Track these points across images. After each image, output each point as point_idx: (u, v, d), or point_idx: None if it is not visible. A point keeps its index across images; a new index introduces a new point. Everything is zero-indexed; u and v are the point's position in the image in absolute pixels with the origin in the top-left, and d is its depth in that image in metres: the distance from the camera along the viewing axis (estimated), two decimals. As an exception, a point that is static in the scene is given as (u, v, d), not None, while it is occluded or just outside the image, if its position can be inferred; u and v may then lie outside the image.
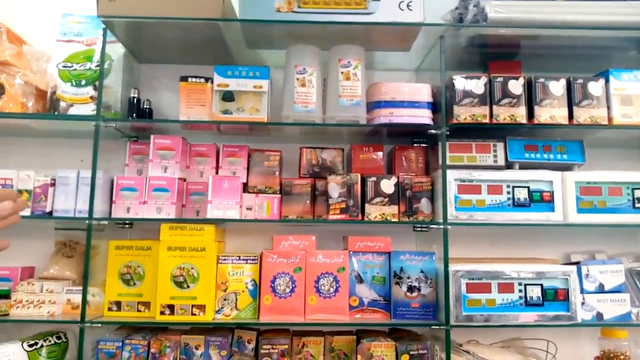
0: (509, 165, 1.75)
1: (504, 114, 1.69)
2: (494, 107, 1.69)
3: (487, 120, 1.68)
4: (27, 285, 1.67)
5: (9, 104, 1.72)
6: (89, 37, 1.87)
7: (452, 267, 1.61)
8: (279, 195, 1.79)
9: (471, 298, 1.61)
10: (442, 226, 1.64)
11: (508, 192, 1.70)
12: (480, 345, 1.80)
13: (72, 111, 1.76)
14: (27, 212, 1.66)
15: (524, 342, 1.85)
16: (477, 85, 1.69)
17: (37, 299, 1.66)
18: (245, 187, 1.81)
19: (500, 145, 1.75)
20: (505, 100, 1.69)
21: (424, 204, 1.73)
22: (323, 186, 1.79)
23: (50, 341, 1.66)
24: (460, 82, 1.69)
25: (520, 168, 1.74)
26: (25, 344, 1.59)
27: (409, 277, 1.69)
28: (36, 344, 1.62)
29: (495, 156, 1.74)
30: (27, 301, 1.65)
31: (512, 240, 1.95)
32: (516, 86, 1.70)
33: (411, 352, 1.65)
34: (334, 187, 1.73)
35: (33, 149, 1.95)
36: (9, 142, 1.95)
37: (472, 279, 1.62)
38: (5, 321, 1.61)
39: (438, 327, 1.61)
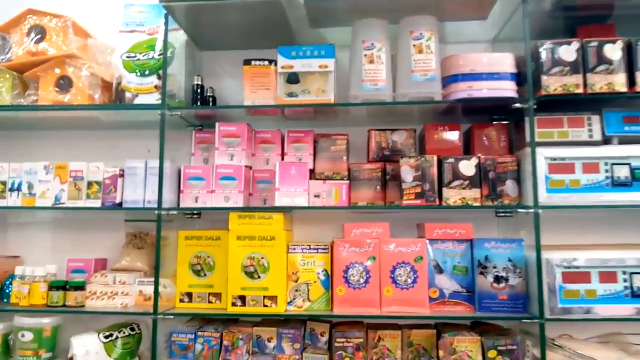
0: (606, 140, 1.56)
1: (599, 82, 1.50)
2: (588, 75, 1.51)
3: (580, 90, 1.50)
4: (101, 277, 1.68)
5: (77, 96, 1.73)
6: (151, 27, 1.84)
7: (546, 255, 1.46)
8: (348, 181, 1.70)
9: (568, 289, 1.45)
10: (532, 210, 1.48)
11: (606, 171, 1.52)
12: (575, 341, 1.64)
13: (137, 101, 1.74)
14: (97, 203, 1.67)
15: (626, 337, 1.66)
16: (567, 52, 1.51)
17: (110, 291, 1.66)
18: (312, 174, 1.73)
19: (595, 119, 1.56)
20: (601, 67, 1.50)
21: (509, 186, 1.58)
22: (394, 170, 1.68)
23: (124, 332, 1.66)
24: (549, 49, 1.52)
25: (620, 143, 1.55)
26: (101, 335, 1.60)
27: (495, 267, 1.55)
28: (112, 335, 1.62)
29: (590, 130, 1.56)
30: (101, 292, 1.65)
31: (608, 225, 1.75)
32: (613, 51, 1.51)
33: (499, 348, 1.51)
34: (407, 170, 1.61)
35: (101, 142, 1.96)
36: (79, 136, 1.97)
37: (569, 267, 1.46)
38: (81, 312, 1.62)
39: (531, 320, 1.46)
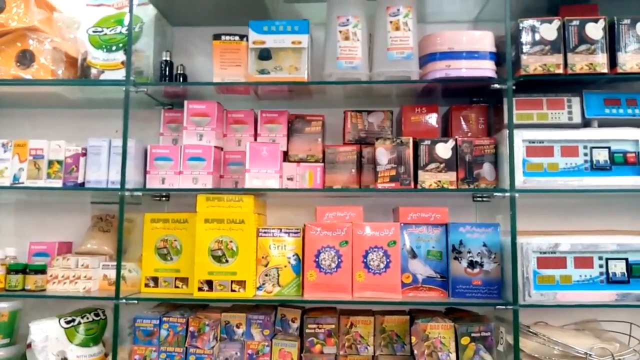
0: (586, 123, 1.52)
1: (580, 62, 1.46)
2: (569, 55, 1.46)
3: (560, 71, 1.46)
4: (63, 260, 1.61)
5: (39, 72, 1.65)
6: (120, 0, 1.76)
7: (521, 240, 1.42)
8: (322, 164, 1.66)
9: (543, 274, 1.42)
10: (508, 194, 1.44)
11: (585, 154, 1.49)
12: (550, 328, 1.61)
13: (104, 78, 1.66)
14: (58, 183, 1.59)
15: (601, 325, 1.63)
16: (548, 30, 1.46)
17: (72, 275, 1.59)
18: (286, 156, 1.68)
19: (575, 100, 1.52)
20: (583, 47, 1.46)
21: (486, 170, 1.53)
22: (370, 153, 1.63)
23: (88, 318, 1.60)
24: (529, 27, 1.46)
25: (600, 126, 1.52)
26: (62, 321, 1.53)
27: (469, 252, 1.51)
28: (73, 320, 1.56)
29: (570, 113, 1.52)
30: (62, 276, 1.59)
31: (587, 210, 1.72)
32: (595, 30, 1.46)
33: (472, 335, 1.47)
34: (383, 152, 1.56)
35: (67, 121, 1.88)
36: (44, 115, 1.89)
37: (545, 253, 1.42)
38: (39, 296, 1.56)
39: (504, 307, 1.42)
